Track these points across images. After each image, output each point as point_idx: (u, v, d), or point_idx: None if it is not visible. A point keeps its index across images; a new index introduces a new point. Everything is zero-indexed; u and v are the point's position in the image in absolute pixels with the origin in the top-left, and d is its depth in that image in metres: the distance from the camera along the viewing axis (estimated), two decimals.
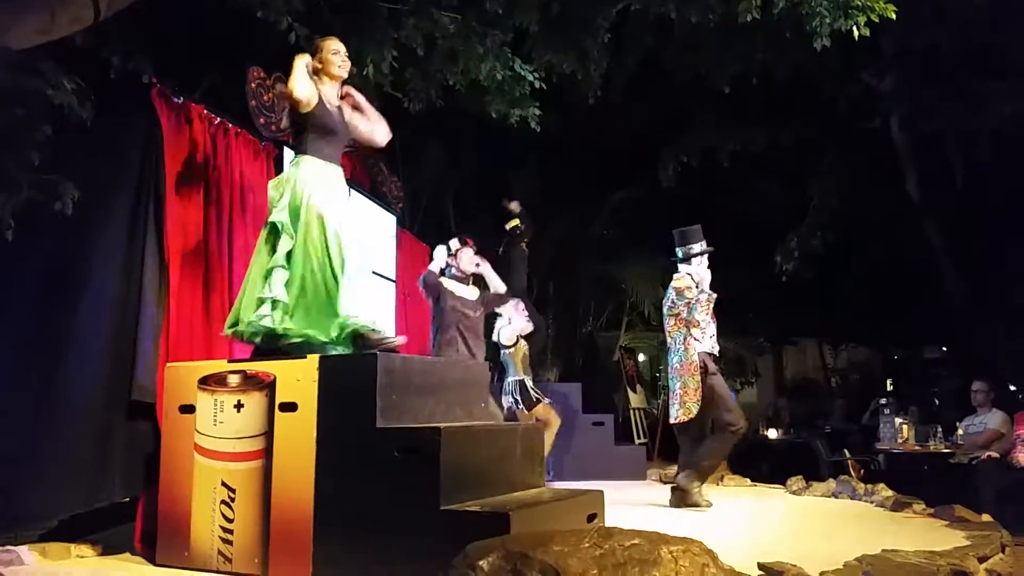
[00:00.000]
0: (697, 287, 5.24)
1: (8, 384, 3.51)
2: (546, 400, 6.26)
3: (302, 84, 3.58)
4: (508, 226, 7.52)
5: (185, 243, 3.91)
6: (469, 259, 5.65)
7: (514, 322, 6.31)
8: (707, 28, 5.91)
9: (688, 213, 5.70)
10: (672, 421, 5.22)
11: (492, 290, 5.78)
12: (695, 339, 5.13)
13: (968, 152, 9.91)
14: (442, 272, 5.62)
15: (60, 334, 3.62)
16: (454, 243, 5.68)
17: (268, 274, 3.47)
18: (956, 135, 9.74)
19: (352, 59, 5.23)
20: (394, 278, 6.68)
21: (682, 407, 5.10)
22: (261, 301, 3.45)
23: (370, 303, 3.74)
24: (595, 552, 2.31)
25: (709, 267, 5.37)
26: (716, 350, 5.30)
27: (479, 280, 5.83)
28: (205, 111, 4.19)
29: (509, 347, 6.26)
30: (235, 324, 3.54)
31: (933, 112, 9.42)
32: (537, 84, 5.79)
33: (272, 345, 3.48)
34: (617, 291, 11.50)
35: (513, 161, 10.21)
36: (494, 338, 6.33)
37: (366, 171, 6.24)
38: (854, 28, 5.25)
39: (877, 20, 5.28)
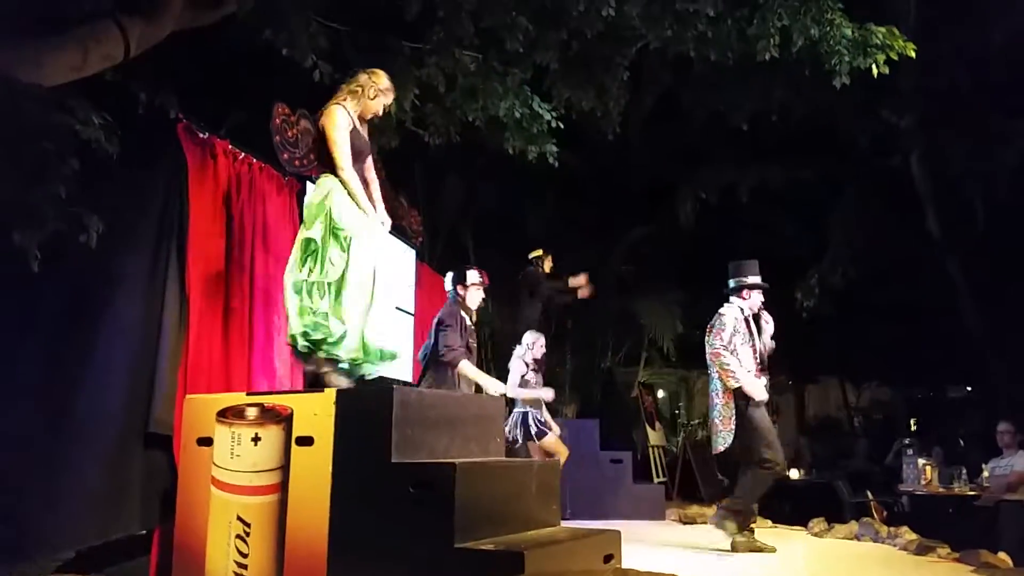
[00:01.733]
0: (745, 319, 5.19)
1: (27, 414, 3.52)
2: (555, 432, 6.14)
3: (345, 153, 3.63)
4: (531, 255, 7.58)
5: (207, 276, 3.95)
6: (477, 299, 5.52)
7: (525, 358, 6.21)
8: (726, 66, 5.95)
9: (707, 250, 5.70)
10: (714, 452, 5.17)
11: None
12: (734, 368, 5.01)
13: (989, 190, 9.87)
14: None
15: (80, 366, 3.64)
16: (473, 275, 5.51)
17: (313, 289, 3.51)
18: (976, 173, 9.70)
19: None
20: (412, 311, 6.71)
21: (718, 436, 5.04)
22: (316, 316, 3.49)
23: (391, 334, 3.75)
24: None
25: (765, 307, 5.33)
26: (762, 383, 5.16)
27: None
28: (230, 146, 4.26)
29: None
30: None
31: (953, 150, 9.42)
32: (554, 123, 5.84)
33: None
34: (636, 327, 11.47)
35: (532, 196, 10.27)
36: (510, 365, 6.27)
37: (386, 204, 6.29)
38: (873, 66, 5.28)
39: (896, 59, 5.30)
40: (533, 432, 5.97)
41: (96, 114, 3.51)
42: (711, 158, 10.37)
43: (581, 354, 11.25)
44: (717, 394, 5.09)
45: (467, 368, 5.24)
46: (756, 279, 5.34)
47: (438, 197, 9.16)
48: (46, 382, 3.63)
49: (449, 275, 5.66)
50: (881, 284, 11.32)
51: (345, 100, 3.70)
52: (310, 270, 3.52)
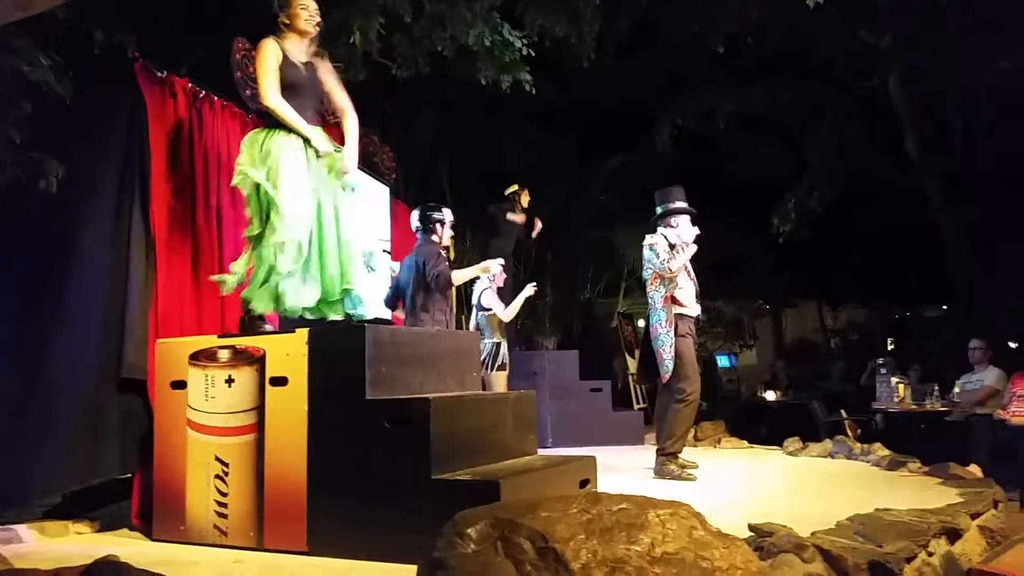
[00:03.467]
0: (674, 247, 5.10)
1: (0, 366, 3.51)
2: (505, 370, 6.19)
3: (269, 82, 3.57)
4: (507, 191, 7.53)
5: (172, 217, 3.88)
6: (448, 236, 5.49)
7: (493, 290, 6.23)
8: None
9: (685, 177, 5.61)
10: (662, 380, 5.12)
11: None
12: (672, 297, 5.01)
13: (968, 109, 9.81)
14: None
15: (50, 314, 3.60)
16: (448, 215, 5.41)
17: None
18: (956, 92, 9.62)
19: (338, 27, 5.22)
20: (389, 249, 6.66)
21: (663, 364, 5.00)
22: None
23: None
24: (582, 517, 2.32)
25: (700, 230, 5.25)
26: (696, 312, 5.19)
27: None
28: (189, 85, 4.14)
29: (488, 310, 6.17)
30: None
31: (932, 69, 9.31)
32: (525, 50, 5.69)
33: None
34: (614, 257, 11.49)
35: (508, 128, 10.13)
36: (473, 300, 6.30)
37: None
38: None
39: None
40: (498, 364, 6.03)
41: (44, 54, 3.39)
42: (689, 83, 10.21)
43: (561, 286, 11.28)
44: (660, 324, 5.02)
45: (458, 274, 5.33)
46: (682, 204, 5.18)
47: (412, 131, 9.00)
48: (17, 332, 3.61)
49: (415, 213, 5.48)
50: (858, 207, 11.34)
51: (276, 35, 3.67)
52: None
